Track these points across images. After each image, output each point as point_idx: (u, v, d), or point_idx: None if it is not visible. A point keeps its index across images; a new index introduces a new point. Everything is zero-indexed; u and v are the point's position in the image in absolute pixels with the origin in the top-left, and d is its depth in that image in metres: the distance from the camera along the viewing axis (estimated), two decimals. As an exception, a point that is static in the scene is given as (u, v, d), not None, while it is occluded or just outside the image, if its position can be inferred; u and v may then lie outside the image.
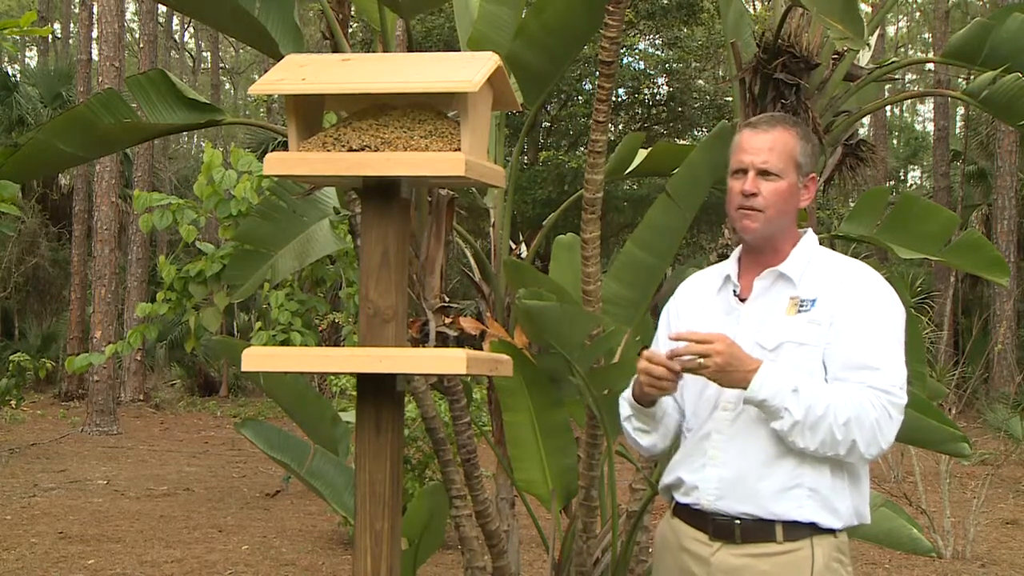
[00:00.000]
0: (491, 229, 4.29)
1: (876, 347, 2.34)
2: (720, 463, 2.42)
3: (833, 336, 2.36)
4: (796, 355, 2.37)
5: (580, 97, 17.50)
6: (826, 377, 2.37)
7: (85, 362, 7.47)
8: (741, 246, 2.57)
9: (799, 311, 2.40)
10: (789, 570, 2.36)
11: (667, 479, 2.56)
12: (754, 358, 2.32)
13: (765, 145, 2.44)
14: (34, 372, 12.74)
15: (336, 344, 10.55)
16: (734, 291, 2.51)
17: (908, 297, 3.94)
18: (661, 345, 2.56)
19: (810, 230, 2.55)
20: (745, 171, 2.44)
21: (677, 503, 2.52)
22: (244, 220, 5.98)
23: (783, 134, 2.46)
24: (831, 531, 2.39)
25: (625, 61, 17.60)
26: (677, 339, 2.36)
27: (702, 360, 2.30)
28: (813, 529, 2.37)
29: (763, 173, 2.43)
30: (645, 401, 2.47)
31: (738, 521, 2.39)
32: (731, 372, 2.31)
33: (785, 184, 2.43)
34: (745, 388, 2.31)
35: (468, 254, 4.23)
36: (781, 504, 2.36)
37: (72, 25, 28.70)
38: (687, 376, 2.47)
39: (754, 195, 2.42)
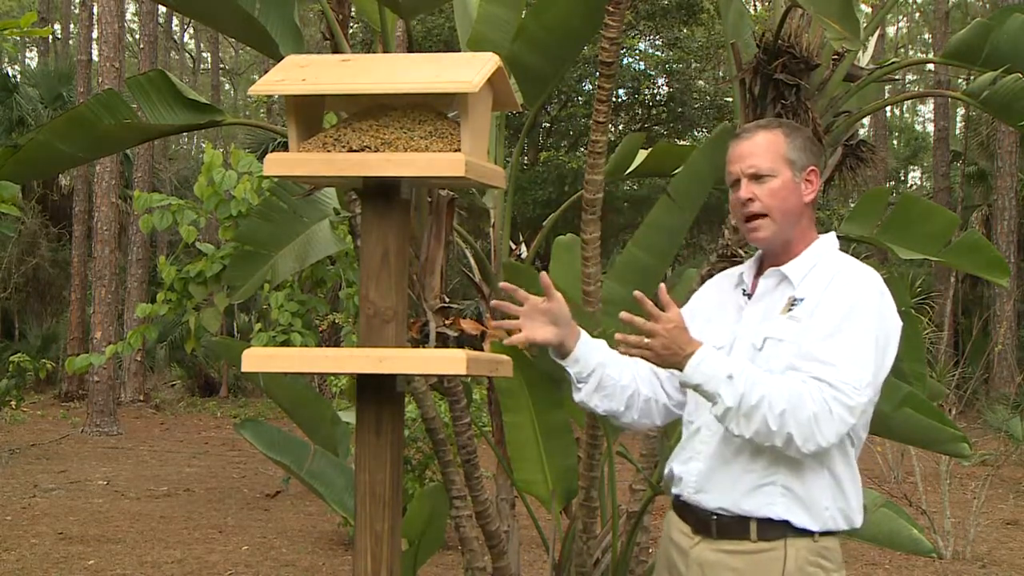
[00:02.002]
0: (491, 230, 4.29)
1: (835, 343, 2.29)
2: (702, 457, 2.45)
3: (805, 330, 2.35)
4: (776, 351, 2.37)
5: (580, 98, 17.48)
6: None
7: (85, 363, 7.45)
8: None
9: (789, 310, 2.40)
10: (760, 569, 2.36)
11: (665, 470, 2.60)
12: (695, 341, 2.30)
13: (749, 150, 2.46)
14: (34, 373, 12.74)
15: (336, 344, 10.55)
16: (744, 290, 2.53)
17: (908, 298, 3.94)
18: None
19: (832, 234, 2.54)
20: (738, 181, 2.46)
21: (674, 494, 2.55)
22: (244, 221, 5.98)
23: (766, 135, 2.47)
24: (808, 533, 2.36)
25: (625, 62, 17.57)
26: (628, 322, 2.33)
27: (647, 340, 2.30)
28: (787, 529, 2.36)
29: (755, 177, 2.44)
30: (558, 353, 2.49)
31: (715, 516, 2.41)
32: (669, 355, 2.30)
33: (779, 182, 2.44)
34: (682, 371, 2.31)
35: (468, 255, 4.22)
36: (752, 500, 2.36)
37: (72, 26, 28.70)
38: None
39: (751, 200, 2.43)
